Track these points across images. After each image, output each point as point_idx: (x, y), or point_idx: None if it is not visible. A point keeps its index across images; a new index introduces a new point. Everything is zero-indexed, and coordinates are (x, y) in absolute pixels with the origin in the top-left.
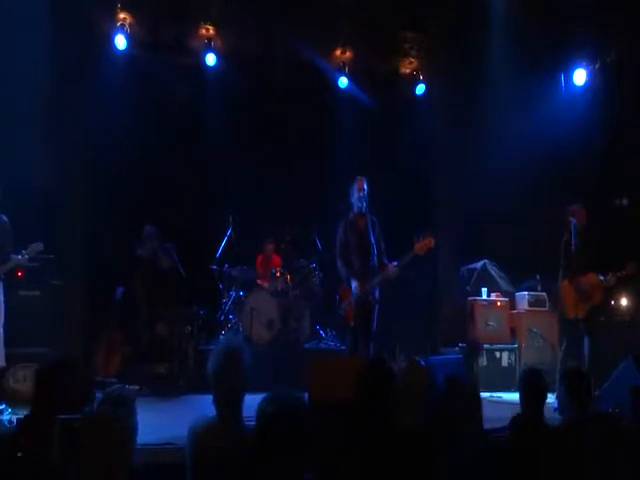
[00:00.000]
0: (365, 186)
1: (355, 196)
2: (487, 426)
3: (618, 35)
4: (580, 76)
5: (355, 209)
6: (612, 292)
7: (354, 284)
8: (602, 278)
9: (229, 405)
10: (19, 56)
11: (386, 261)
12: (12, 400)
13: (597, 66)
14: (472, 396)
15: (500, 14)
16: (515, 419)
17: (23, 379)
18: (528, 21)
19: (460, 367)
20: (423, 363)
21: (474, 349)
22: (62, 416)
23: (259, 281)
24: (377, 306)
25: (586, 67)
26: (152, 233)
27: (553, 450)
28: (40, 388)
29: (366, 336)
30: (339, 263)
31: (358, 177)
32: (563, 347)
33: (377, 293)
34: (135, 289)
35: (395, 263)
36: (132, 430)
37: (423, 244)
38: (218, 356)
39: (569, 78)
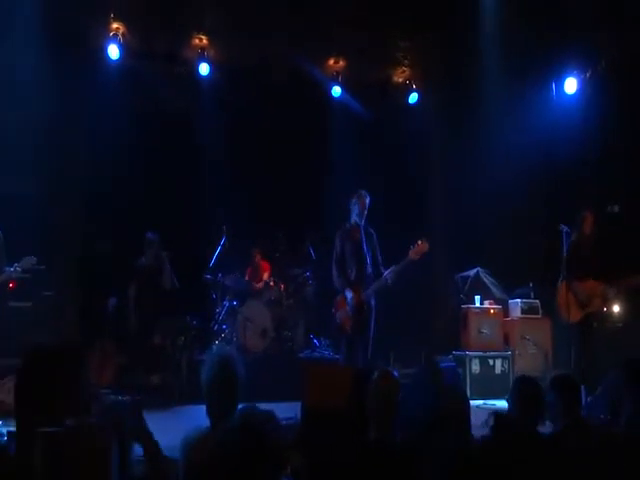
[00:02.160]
0: (367, 203)
1: (356, 211)
2: (478, 433)
3: (608, 43)
4: (571, 85)
5: (352, 221)
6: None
7: (349, 294)
8: (604, 289)
9: (223, 416)
10: (13, 66)
11: (382, 270)
12: (2, 412)
13: (588, 74)
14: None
15: (492, 23)
16: (497, 419)
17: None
18: (520, 30)
19: (454, 375)
20: (396, 374)
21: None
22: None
23: (256, 283)
24: (373, 314)
25: (577, 76)
26: (153, 240)
27: (543, 458)
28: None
29: (363, 344)
30: (335, 273)
31: (363, 193)
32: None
33: (373, 302)
34: (128, 299)
35: (390, 269)
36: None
37: (417, 249)
38: (211, 367)
39: (560, 87)
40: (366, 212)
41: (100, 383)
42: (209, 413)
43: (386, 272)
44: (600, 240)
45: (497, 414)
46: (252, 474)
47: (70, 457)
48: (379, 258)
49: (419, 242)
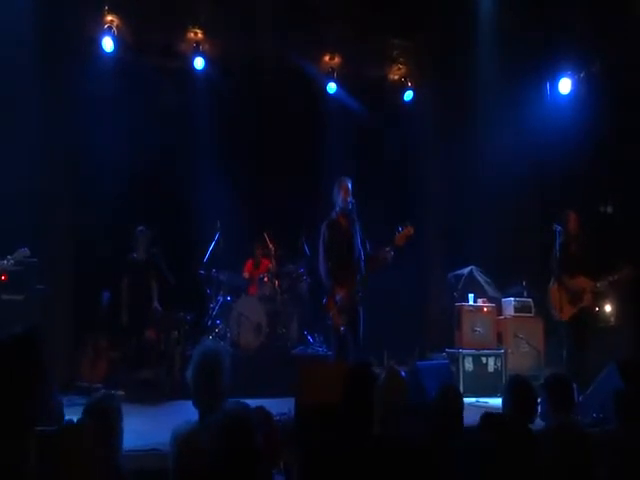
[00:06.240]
0: (350, 187)
1: (340, 198)
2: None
3: (602, 44)
4: (565, 85)
5: (337, 209)
6: (598, 298)
7: (338, 289)
8: (594, 284)
9: (209, 407)
10: (4, 58)
11: (370, 253)
12: None
13: (582, 75)
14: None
15: (487, 23)
16: (485, 418)
17: None
18: (515, 30)
19: (447, 372)
20: (402, 373)
21: None
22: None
23: (250, 290)
24: (361, 309)
25: (571, 76)
26: (144, 233)
27: (534, 456)
28: None
29: (355, 340)
30: (322, 265)
31: (343, 178)
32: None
33: (360, 294)
34: (121, 293)
35: (387, 249)
36: (116, 437)
37: (402, 235)
38: (197, 358)
39: (555, 87)
40: (350, 197)
41: (93, 378)
42: (195, 404)
43: (382, 251)
44: (588, 238)
45: (487, 414)
46: (240, 468)
47: (64, 456)
48: (368, 247)
49: (404, 227)
